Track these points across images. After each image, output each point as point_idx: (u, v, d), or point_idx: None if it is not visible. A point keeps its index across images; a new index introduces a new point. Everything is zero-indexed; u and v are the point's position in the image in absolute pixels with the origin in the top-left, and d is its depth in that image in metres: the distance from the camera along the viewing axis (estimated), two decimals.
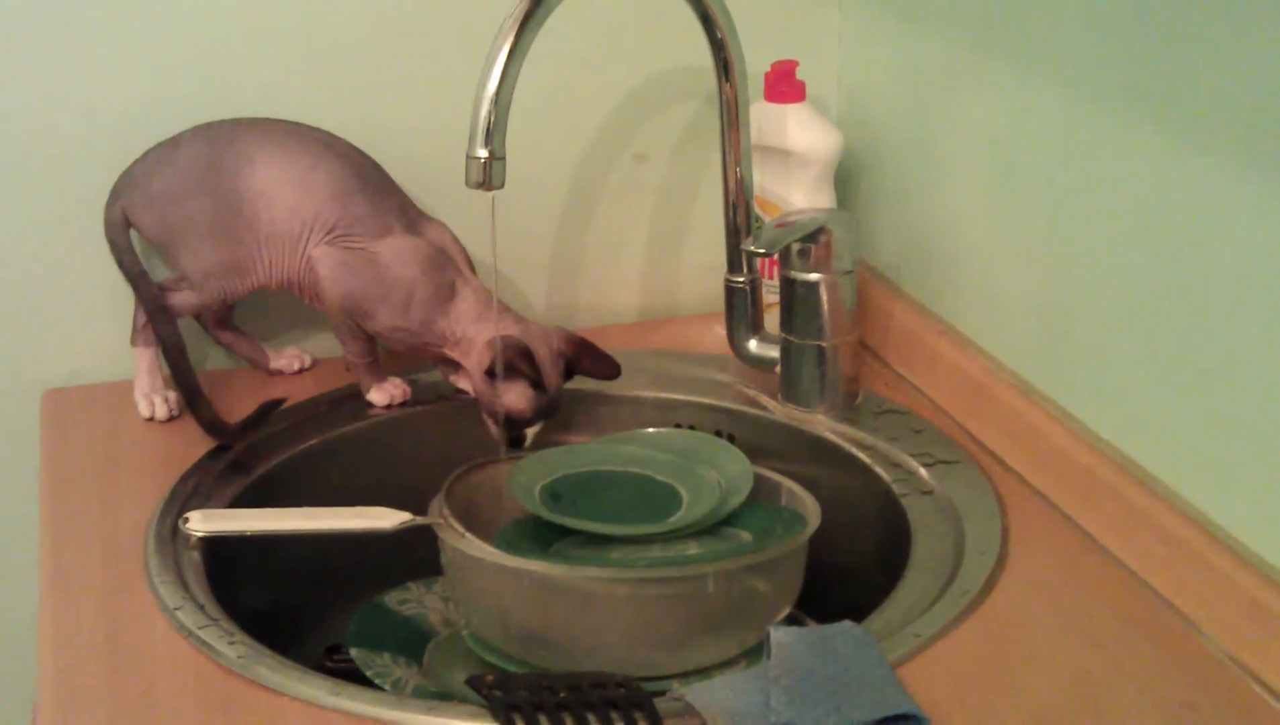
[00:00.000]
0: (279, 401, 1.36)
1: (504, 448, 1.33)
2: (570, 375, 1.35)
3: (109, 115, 1.40)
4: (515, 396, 1.31)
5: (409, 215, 1.38)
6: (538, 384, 1.31)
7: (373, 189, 1.36)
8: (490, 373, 1.31)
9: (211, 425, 1.33)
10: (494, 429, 1.33)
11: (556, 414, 1.34)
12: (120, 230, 1.35)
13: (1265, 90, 1.00)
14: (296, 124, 1.38)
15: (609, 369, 1.35)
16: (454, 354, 1.35)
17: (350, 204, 1.34)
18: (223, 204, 1.34)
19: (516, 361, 1.30)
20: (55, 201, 1.42)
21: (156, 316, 1.35)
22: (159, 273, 1.39)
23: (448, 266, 1.35)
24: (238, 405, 1.37)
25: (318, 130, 1.38)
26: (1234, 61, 1.02)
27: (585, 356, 1.35)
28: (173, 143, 1.36)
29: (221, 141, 1.35)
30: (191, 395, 1.33)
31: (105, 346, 1.44)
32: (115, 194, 1.36)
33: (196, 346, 1.43)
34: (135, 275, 1.35)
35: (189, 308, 1.37)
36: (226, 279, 1.36)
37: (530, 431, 1.33)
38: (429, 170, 1.44)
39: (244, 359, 1.47)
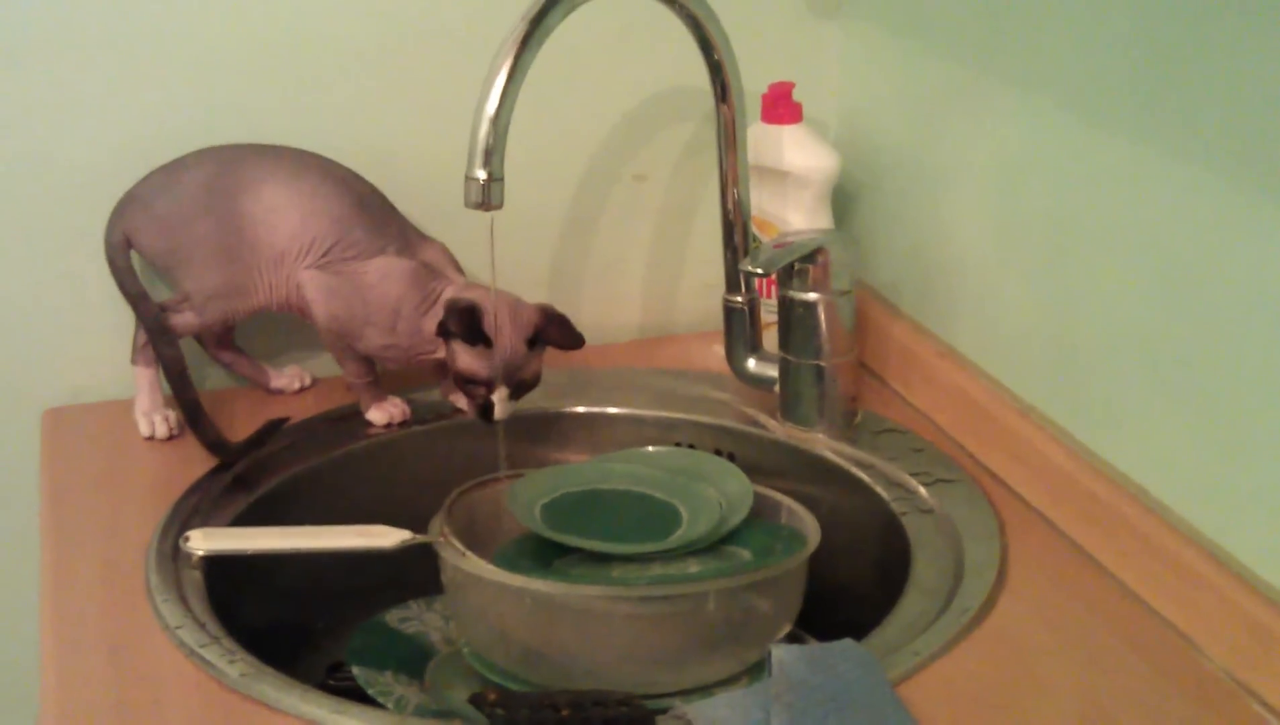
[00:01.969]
0: (282, 421, 1.36)
1: (477, 417, 1.31)
2: (537, 344, 1.32)
3: (109, 138, 1.40)
4: (466, 355, 1.30)
5: (407, 240, 1.38)
6: (490, 344, 1.30)
7: (372, 215, 1.37)
8: (443, 334, 1.31)
9: (214, 444, 1.33)
10: (464, 402, 1.32)
11: (527, 385, 1.32)
12: (121, 252, 1.36)
13: (1274, 112, 1.00)
14: (299, 150, 1.38)
15: (571, 339, 1.33)
16: (443, 355, 1.34)
17: (349, 229, 1.35)
18: (226, 227, 1.34)
19: (459, 319, 1.29)
20: (56, 222, 1.42)
21: (157, 337, 1.35)
22: (159, 292, 1.40)
23: (435, 279, 1.35)
24: (239, 424, 1.37)
25: (320, 157, 1.38)
26: (1241, 82, 1.02)
27: (553, 327, 1.33)
28: (177, 165, 1.37)
29: (226, 166, 1.36)
30: (193, 415, 1.33)
31: (106, 365, 1.44)
32: (117, 215, 1.36)
33: (197, 366, 1.43)
34: (136, 296, 1.35)
35: (190, 328, 1.37)
36: (228, 301, 1.36)
37: (498, 400, 1.30)
38: (428, 191, 1.44)
39: (244, 378, 1.47)
